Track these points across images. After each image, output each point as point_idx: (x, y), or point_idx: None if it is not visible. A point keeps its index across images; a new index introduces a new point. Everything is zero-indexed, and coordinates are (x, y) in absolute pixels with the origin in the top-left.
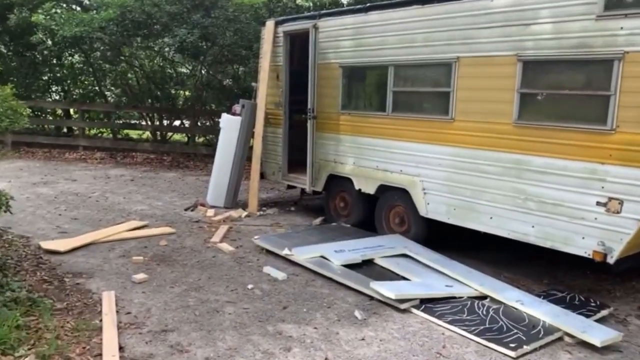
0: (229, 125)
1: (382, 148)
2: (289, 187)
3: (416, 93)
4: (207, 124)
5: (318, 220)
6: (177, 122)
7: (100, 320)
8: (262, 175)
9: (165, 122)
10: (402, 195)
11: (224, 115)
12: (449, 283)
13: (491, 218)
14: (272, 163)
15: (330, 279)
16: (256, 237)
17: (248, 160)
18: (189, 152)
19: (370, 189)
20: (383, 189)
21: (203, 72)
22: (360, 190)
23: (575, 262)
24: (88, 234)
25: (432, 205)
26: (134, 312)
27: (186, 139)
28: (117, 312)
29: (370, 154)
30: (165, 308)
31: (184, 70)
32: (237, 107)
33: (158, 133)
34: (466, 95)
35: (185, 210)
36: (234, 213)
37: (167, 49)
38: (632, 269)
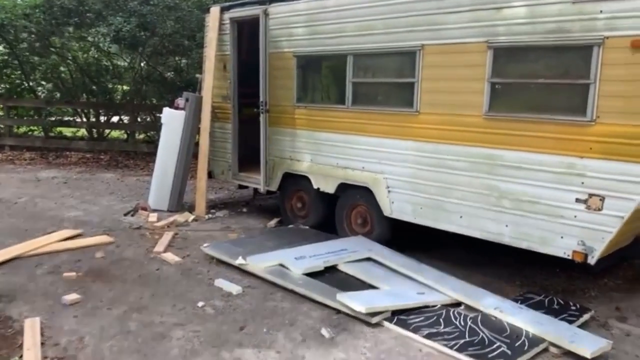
0: (172, 120)
1: (342, 144)
2: (241, 187)
3: (378, 84)
4: (148, 119)
5: (273, 223)
6: (115, 118)
7: (21, 357)
8: (210, 175)
9: (102, 119)
10: (364, 194)
11: (166, 110)
12: (420, 290)
13: (461, 217)
14: (220, 161)
15: (291, 291)
16: (205, 244)
17: (194, 158)
18: (129, 150)
19: (329, 187)
20: (344, 187)
21: (142, 64)
22: (318, 189)
23: (546, 261)
24: (11, 247)
25: (397, 205)
26: (63, 343)
27: (125, 136)
28: (42, 344)
29: (329, 150)
30: (101, 336)
31: (121, 62)
32: (180, 101)
33: (94, 130)
34: (432, 86)
35: (125, 215)
36: (179, 217)
37: (102, 40)
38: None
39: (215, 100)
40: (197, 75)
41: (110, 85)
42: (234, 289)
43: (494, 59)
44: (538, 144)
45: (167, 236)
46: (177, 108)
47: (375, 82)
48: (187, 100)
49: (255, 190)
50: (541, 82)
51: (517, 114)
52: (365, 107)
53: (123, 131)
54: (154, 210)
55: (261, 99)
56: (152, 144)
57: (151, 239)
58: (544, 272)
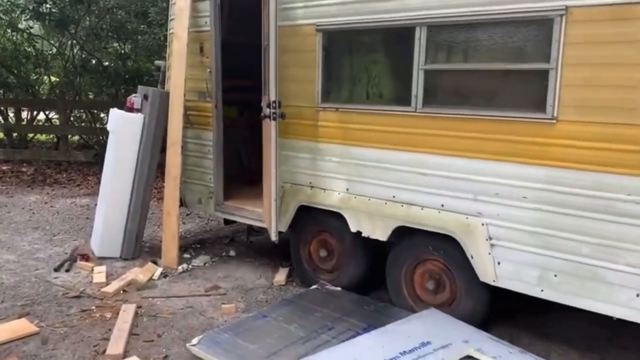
0: (124, 127)
1: (404, 167)
2: (227, 222)
3: (472, 74)
4: (84, 117)
5: (282, 278)
6: (41, 117)
7: None
8: (182, 203)
9: (24, 118)
10: (441, 244)
11: (115, 113)
12: None
13: (639, 296)
14: (196, 185)
15: None
16: (193, 341)
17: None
18: (60, 159)
19: (379, 232)
20: (403, 233)
21: (75, 49)
22: (359, 233)
23: None
24: None
25: (507, 267)
26: None
27: (55, 140)
28: None
29: (380, 175)
30: None
31: (47, 47)
32: (135, 99)
33: (14, 135)
34: (582, 77)
35: (57, 270)
36: (140, 273)
37: (18, 16)
38: None
39: (188, 99)
40: (158, 63)
41: (33, 77)
42: None
43: None
44: None
45: (126, 315)
46: (131, 109)
47: (467, 71)
48: (145, 97)
49: (250, 227)
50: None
51: None
52: (448, 111)
53: (51, 135)
54: (100, 259)
55: (271, 98)
56: (91, 150)
57: (100, 321)
58: None
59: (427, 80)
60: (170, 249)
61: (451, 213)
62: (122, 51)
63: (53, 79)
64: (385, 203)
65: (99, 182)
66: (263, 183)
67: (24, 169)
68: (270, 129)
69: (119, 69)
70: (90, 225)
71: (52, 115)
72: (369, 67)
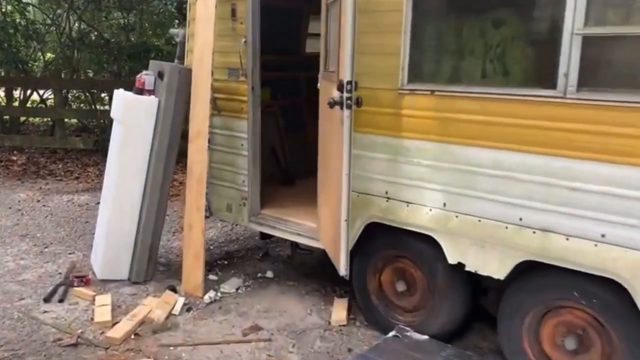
0: (133, 114)
1: (541, 177)
2: (264, 236)
3: None
4: (83, 97)
5: (342, 317)
6: (34, 98)
7: None
8: (207, 211)
9: (16, 99)
10: (594, 290)
11: (120, 95)
12: None
13: None
14: (226, 188)
15: None
16: None
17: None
18: (56, 147)
19: (493, 266)
20: (529, 268)
21: (72, 20)
22: (460, 265)
23: None
24: None
25: None
26: None
27: (50, 124)
28: None
29: (501, 187)
30: None
31: (40, 17)
32: (146, 78)
33: (5, 118)
34: None
35: (47, 301)
36: (157, 308)
37: None
38: None
39: (215, 77)
40: (174, 31)
41: (24, 51)
42: None
43: None
44: None
45: None
46: (141, 91)
47: None
48: (160, 75)
49: (296, 244)
50: None
51: None
52: (618, 98)
53: (46, 118)
54: (103, 282)
55: (346, 78)
56: (91, 134)
57: None
58: None
59: (585, 52)
60: (193, 273)
61: (617, 248)
62: (126, 22)
63: (49, 55)
64: (507, 227)
65: (100, 174)
66: (320, 192)
67: (15, 158)
68: (341, 120)
69: (122, 43)
70: (90, 231)
71: (47, 95)
72: (487, 31)
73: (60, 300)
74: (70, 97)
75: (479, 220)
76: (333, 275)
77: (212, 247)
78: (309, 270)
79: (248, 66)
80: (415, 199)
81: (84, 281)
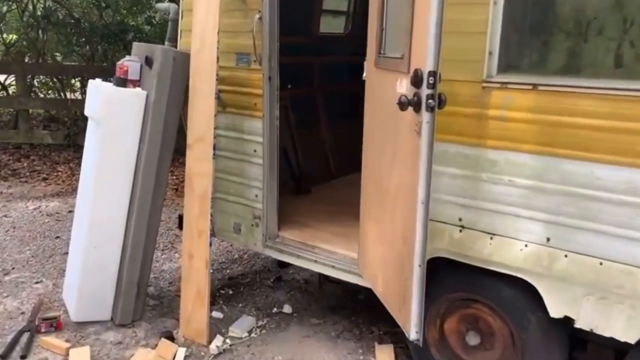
0: (114, 112)
1: None
2: (282, 264)
3: None
4: (50, 84)
5: None
6: None
7: None
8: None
9: None
10: None
11: (97, 87)
12: None
13: None
14: (233, 204)
15: None
16: None
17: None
18: (20, 142)
19: (618, 326)
20: None
21: None
22: (566, 320)
23: None
24: None
25: None
26: None
27: (13, 115)
28: None
29: (633, 219)
30: None
31: None
32: (130, 65)
33: None
34: None
35: (4, 358)
36: None
37: None
38: None
39: (223, 65)
40: (161, 6)
41: None
42: None
43: None
44: None
45: None
46: (123, 80)
47: None
48: (148, 62)
49: (325, 277)
50: None
51: None
52: None
53: (8, 109)
54: (80, 326)
55: (427, 66)
56: (60, 127)
57: None
58: None
59: None
60: (195, 315)
61: None
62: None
63: (9, 37)
64: None
65: (72, 174)
66: (365, 215)
67: None
68: (414, 125)
69: (95, 23)
70: (61, 250)
71: (9, 81)
72: (622, 2)
73: (23, 357)
74: (35, 83)
75: (601, 263)
76: (367, 308)
77: (211, 271)
78: (334, 301)
79: (264, 50)
80: (504, 230)
81: (55, 325)
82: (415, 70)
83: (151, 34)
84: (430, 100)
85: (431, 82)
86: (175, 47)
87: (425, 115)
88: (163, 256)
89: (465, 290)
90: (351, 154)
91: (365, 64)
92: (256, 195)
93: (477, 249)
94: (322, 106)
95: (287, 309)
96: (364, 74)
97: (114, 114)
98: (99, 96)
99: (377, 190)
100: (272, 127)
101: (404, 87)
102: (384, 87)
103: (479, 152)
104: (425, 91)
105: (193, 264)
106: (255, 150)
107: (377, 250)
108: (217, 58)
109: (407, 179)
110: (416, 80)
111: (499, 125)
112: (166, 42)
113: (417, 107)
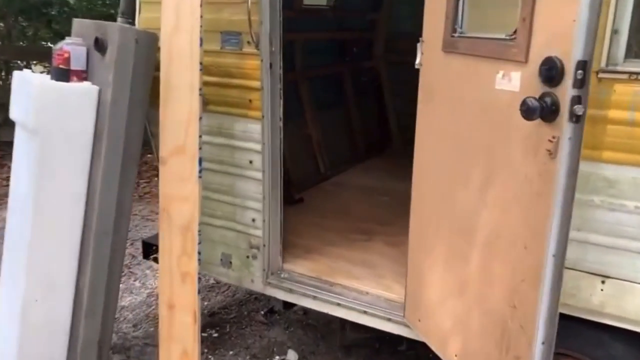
0: (54, 117)
1: None
2: (289, 305)
3: None
4: None
5: None
6: None
7: None
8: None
9: None
10: None
11: (25, 81)
12: None
13: None
14: (221, 230)
15: None
16: None
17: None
18: None
19: None
20: None
21: None
22: None
23: None
24: None
25: None
26: None
27: None
28: None
29: None
30: None
31: None
32: (72, 50)
33: None
34: None
35: None
36: None
37: None
38: None
39: (208, 50)
40: None
41: None
42: None
43: None
44: None
45: None
46: (64, 73)
47: None
48: (99, 45)
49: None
50: None
51: None
52: None
53: None
54: None
55: (575, 55)
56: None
57: None
58: None
59: None
60: None
61: None
62: None
63: None
64: None
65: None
66: (419, 254)
67: None
68: (554, 143)
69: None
70: None
71: None
72: None
73: None
74: None
75: None
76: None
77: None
78: (346, 340)
79: (262, 27)
80: (622, 272)
81: None
82: (549, 59)
83: (82, 8)
84: (577, 106)
85: (580, 77)
86: (133, 24)
87: (568, 128)
88: (121, 286)
89: (563, 346)
90: (341, 151)
91: (419, 46)
92: (253, 220)
93: (582, 296)
94: (306, 95)
95: (291, 355)
96: (417, 61)
97: (53, 120)
98: (30, 94)
99: (447, 224)
100: (274, 131)
101: (513, 83)
102: (466, 82)
103: (590, 167)
104: (569, 91)
105: (175, 316)
106: (251, 162)
107: (451, 305)
108: (201, 40)
109: (518, 221)
110: (550, 75)
111: (624, 132)
112: (119, 18)
113: (551, 116)
